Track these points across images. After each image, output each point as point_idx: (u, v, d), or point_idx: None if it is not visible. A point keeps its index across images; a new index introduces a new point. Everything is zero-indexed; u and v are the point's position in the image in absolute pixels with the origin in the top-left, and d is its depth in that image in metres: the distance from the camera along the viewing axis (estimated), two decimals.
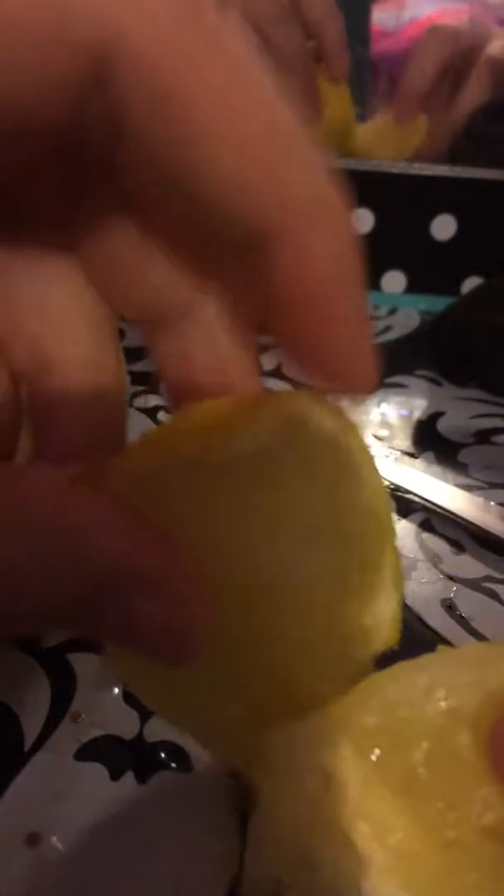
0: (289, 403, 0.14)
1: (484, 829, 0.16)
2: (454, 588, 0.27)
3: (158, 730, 0.21)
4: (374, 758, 0.16)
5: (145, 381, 0.37)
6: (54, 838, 0.18)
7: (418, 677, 0.17)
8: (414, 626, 0.25)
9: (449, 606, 0.26)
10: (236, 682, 0.16)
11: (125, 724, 0.21)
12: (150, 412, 0.37)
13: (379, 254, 0.50)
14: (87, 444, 0.14)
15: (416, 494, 0.31)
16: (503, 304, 0.43)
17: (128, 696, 0.22)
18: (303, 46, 0.51)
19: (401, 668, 0.17)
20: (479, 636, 0.25)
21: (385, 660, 0.18)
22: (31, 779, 0.20)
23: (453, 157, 0.53)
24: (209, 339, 0.15)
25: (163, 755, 0.21)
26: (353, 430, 0.15)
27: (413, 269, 0.51)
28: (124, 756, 0.20)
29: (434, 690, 0.17)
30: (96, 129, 0.12)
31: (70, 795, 0.19)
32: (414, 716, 0.17)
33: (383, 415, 0.39)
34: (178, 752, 0.21)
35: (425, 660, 0.18)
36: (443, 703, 0.17)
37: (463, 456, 0.35)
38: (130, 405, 0.37)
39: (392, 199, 0.49)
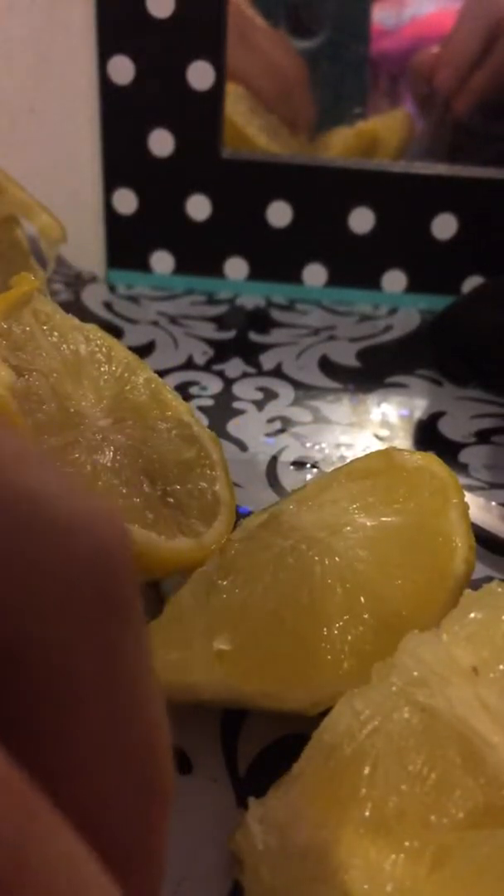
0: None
1: (460, 823, 0.16)
2: None
3: None
4: (343, 805, 0.17)
5: None
6: None
7: (346, 708, 0.18)
8: None
9: None
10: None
11: None
12: None
13: (379, 254, 0.50)
14: None
15: None
16: (503, 304, 0.43)
17: None
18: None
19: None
20: None
21: None
22: None
23: (453, 154, 0.52)
24: None
25: None
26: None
27: (413, 268, 0.51)
28: None
29: (361, 714, 0.17)
30: None
31: None
32: (357, 748, 0.17)
33: (383, 415, 0.39)
34: (177, 755, 0.21)
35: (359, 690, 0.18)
36: (375, 722, 0.17)
37: (464, 456, 0.35)
38: None
39: (392, 199, 0.49)
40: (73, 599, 0.10)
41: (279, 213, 0.49)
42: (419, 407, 0.40)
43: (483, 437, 0.37)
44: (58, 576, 0.10)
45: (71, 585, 0.10)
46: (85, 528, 0.10)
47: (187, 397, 0.38)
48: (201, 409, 0.38)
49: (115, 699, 0.10)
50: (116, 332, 0.45)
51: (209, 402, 0.39)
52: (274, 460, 0.34)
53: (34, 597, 0.10)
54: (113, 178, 0.49)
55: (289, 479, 0.33)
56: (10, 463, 0.10)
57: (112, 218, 0.50)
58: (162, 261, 0.51)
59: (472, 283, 0.50)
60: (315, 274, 0.51)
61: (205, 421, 0.37)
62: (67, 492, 0.10)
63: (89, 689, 0.10)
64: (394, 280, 0.51)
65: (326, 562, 0.22)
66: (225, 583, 0.22)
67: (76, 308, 0.48)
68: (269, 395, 0.40)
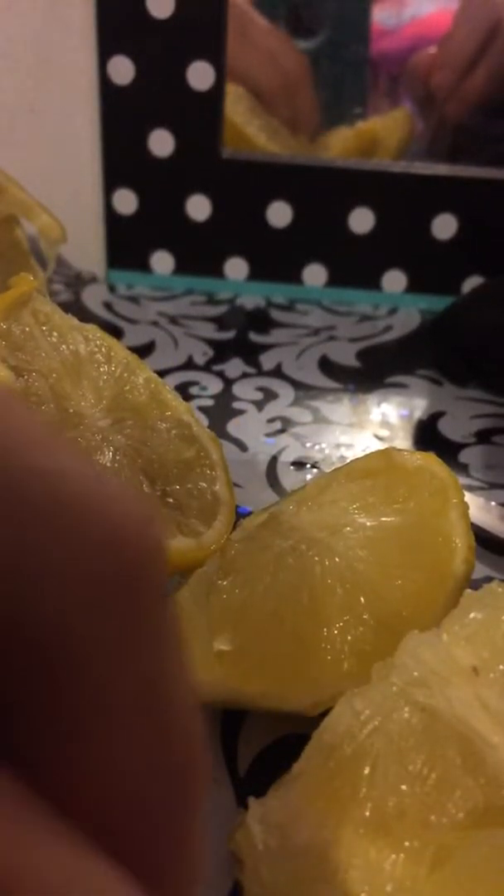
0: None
1: (460, 823, 0.16)
2: None
3: None
4: (342, 805, 0.17)
5: None
6: None
7: (346, 709, 0.18)
8: None
9: None
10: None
11: None
12: None
13: (379, 254, 0.50)
14: None
15: None
16: (503, 304, 0.43)
17: None
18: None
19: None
20: None
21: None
22: None
23: (453, 154, 0.52)
24: None
25: None
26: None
27: (413, 268, 0.51)
28: None
29: (361, 714, 0.17)
30: None
31: None
32: (358, 748, 0.17)
33: (383, 415, 0.39)
34: None
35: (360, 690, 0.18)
36: (375, 722, 0.17)
37: (463, 456, 0.35)
38: None
39: (392, 199, 0.49)
40: (102, 595, 0.10)
41: (279, 213, 0.49)
42: (419, 407, 0.40)
43: (483, 437, 0.37)
44: (86, 571, 0.09)
45: (100, 581, 0.10)
46: (112, 518, 0.10)
47: (187, 397, 0.38)
48: (201, 409, 0.38)
49: (147, 698, 0.10)
50: (116, 333, 0.45)
51: (209, 402, 0.39)
52: (274, 460, 0.34)
53: (60, 590, 0.09)
54: (113, 178, 0.49)
55: (289, 479, 0.33)
56: (35, 446, 0.10)
57: (112, 218, 0.50)
58: (162, 261, 0.51)
59: (472, 283, 0.50)
60: (315, 274, 0.51)
61: (205, 421, 0.37)
62: (99, 480, 0.10)
63: (118, 686, 0.10)
64: (394, 280, 0.51)
65: (326, 562, 0.22)
66: (225, 583, 0.22)
67: (76, 308, 0.48)
68: (269, 395, 0.40)
